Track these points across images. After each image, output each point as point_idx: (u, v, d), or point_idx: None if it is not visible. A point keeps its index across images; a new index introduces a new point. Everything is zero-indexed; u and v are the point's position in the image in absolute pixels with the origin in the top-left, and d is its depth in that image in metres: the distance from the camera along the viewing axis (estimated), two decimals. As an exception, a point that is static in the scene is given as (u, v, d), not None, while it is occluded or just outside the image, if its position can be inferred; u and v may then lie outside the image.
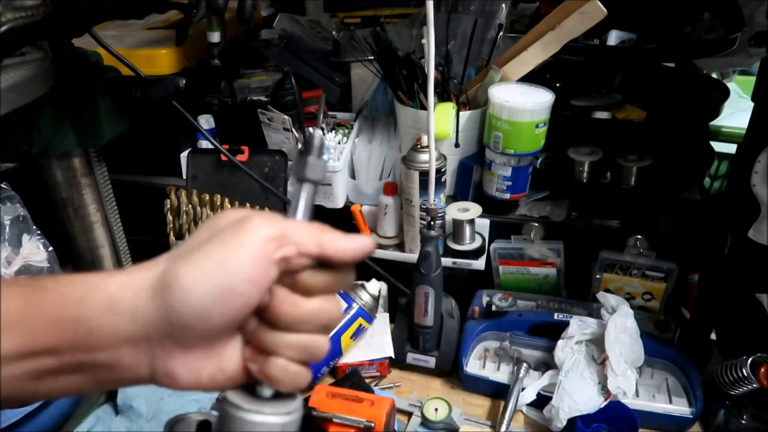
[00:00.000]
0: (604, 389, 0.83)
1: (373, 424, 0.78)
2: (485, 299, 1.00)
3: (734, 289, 0.87)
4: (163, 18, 1.17)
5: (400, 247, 1.07)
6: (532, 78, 1.00)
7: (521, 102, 0.92)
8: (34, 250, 0.95)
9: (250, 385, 0.37)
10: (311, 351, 0.36)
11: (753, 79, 0.81)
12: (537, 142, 0.96)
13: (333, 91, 1.20)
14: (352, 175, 1.11)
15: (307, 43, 1.25)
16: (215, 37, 1.00)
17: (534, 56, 0.97)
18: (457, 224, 1.00)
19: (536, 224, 1.01)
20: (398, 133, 1.11)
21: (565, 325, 0.91)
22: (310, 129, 0.99)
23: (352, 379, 0.93)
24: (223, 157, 1.02)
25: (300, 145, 1.06)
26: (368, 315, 0.95)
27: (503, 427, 0.85)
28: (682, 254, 0.96)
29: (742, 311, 0.86)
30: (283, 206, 1.05)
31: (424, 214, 0.93)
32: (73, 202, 0.93)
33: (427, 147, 0.91)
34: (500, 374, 0.93)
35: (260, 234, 0.34)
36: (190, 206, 0.99)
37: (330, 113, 1.19)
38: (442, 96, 0.99)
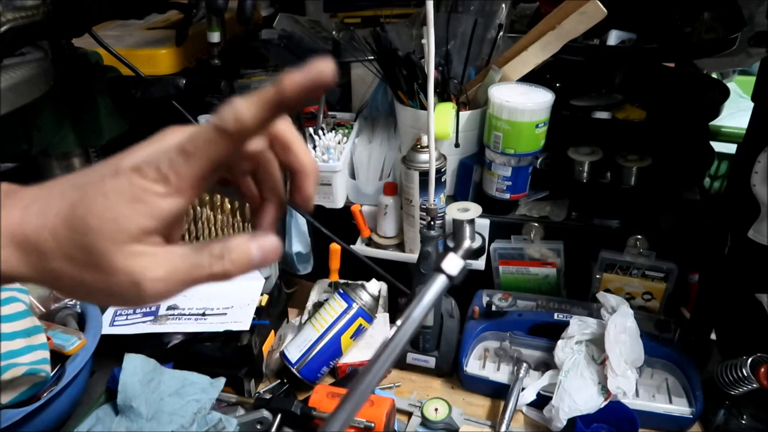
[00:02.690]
0: (604, 389, 0.83)
1: (373, 424, 0.78)
2: (485, 299, 1.00)
3: (734, 289, 0.87)
4: (163, 18, 1.17)
5: (400, 247, 1.07)
6: (532, 78, 1.00)
7: (521, 102, 0.92)
8: (34, 250, 0.95)
9: None
10: None
11: (753, 79, 0.81)
12: (537, 142, 0.96)
13: (333, 91, 1.20)
14: (352, 175, 1.11)
15: (307, 43, 1.25)
16: (215, 37, 1.00)
17: (534, 56, 0.97)
18: (457, 224, 1.00)
19: (536, 224, 1.01)
20: (398, 133, 1.11)
21: (565, 325, 0.91)
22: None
23: (352, 379, 0.93)
24: (223, 157, 1.02)
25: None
26: (368, 315, 0.95)
27: (503, 427, 0.85)
28: (682, 254, 0.96)
29: (742, 311, 0.86)
30: (283, 206, 1.05)
31: (424, 214, 0.93)
32: (73, 202, 0.93)
33: (427, 147, 0.91)
34: (500, 374, 0.93)
35: None
36: (189, 206, 1.00)
37: (330, 113, 1.19)
38: (442, 96, 0.99)
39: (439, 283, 0.39)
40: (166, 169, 0.32)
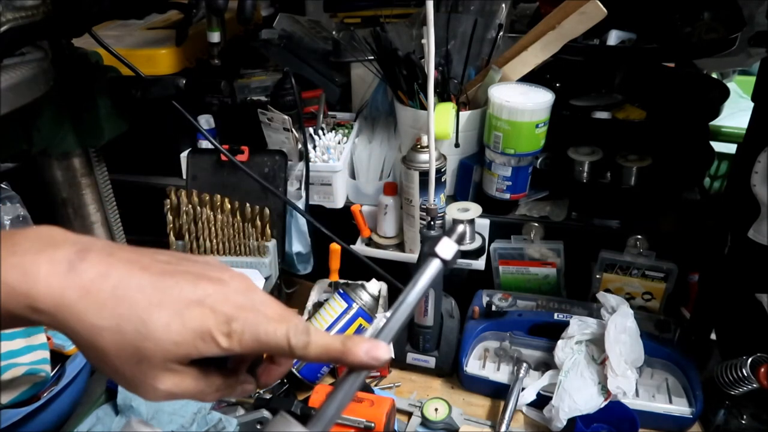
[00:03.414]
0: (604, 389, 0.83)
1: (373, 424, 0.78)
2: (485, 299, 1.01)
3: (734, 289, 0.87)
4: (163, 18, 1.17)
5: (400, 247, 1.07)
6: (532, 78, 1.00)
7: (521, 102, 0.92)
8: (34, 250, 0.94)
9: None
10: None
11: (753, 79, 0.81)
12: (537, 142, 0.96)
13: (333, 91, 1.20)
14: (352, 175, 1.11)
15: (307, 43, 1.25)
16: (215, 37, 1.01)
17: (534, 56, 0.97)
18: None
19: (536, 224, 1.01)
20: (398, 133, 1.11)
21: (565, 325, 0.91)
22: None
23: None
24: (223, 157, 1.02)
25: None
26: (368, 315, 0.95)
27: (503, 427, 0.85)
28: (682, 254, 0.96)
29: (742, 311, 0.87)
30: (282, 206, 1.05)
31: (424, 214, 0.93)
32: (73, 202, 0.93)
33: (427, 147, 0.91)
34: (500, 374, 0.93)
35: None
36: (190, 206, 0.99)
37: (330, 113, 1.19)
38: (442, 96, 0.99)
39: (433, 267, 0.39)
40: (239, 332, 0.35)
